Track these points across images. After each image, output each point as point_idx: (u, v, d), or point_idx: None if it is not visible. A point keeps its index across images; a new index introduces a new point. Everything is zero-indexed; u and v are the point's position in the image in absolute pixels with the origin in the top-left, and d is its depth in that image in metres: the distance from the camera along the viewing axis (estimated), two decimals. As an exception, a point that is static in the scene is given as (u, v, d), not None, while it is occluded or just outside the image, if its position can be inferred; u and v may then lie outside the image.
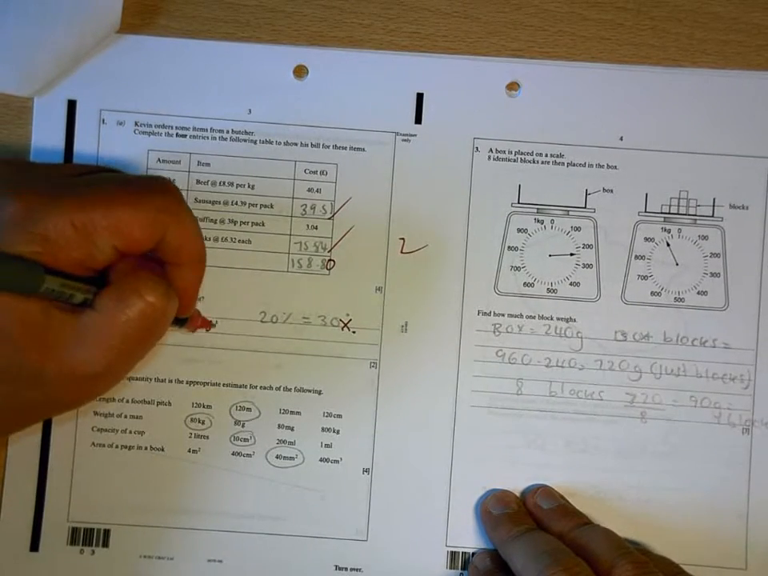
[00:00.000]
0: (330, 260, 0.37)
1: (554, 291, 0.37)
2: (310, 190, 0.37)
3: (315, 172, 0.37)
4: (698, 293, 0.37)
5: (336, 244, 0.37)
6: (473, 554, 0.37)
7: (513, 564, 0.34)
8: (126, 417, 0.37)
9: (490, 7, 0.38)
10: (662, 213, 0.37)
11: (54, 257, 0.28)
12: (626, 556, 0.32)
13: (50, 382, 0.29)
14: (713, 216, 0.37)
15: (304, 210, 0.37)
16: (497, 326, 0.37)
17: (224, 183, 0.37)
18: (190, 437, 0.37)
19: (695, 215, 0.37)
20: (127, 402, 0.37)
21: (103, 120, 0.37)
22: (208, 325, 0.36)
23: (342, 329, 0.37)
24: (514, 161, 0.37)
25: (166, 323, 0.31)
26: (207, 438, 0.37)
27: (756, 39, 0.38)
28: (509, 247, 0.37)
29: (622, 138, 0.37)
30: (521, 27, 0.37)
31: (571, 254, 0.37)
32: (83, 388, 0.30)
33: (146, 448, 0.37)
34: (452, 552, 0.37)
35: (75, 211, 0.28)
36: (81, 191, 0.29)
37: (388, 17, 0.37)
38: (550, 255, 0.37)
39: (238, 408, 0.37)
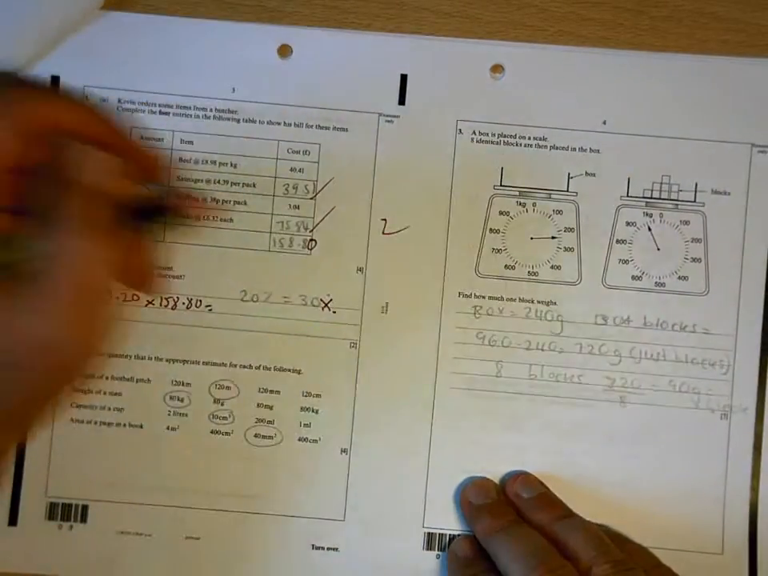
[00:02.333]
0: (311, 240, 0.37)
1: (534, 274, 0.37)
2: (292, 169, 0.37)
3: (298, 152, 0.37)
4: (679, 278, 0.37)
5: (318, 224, 0.37)
6: (450, 536, 0.37)
7: (497, 559, 0.34)
8: (105, 393, 0.37)
9: (490, 7, 0.38)
10: (643, 197, 0.37)
11: None
12: (604, 555, 0.32)
13: (15, 358, 0.25)
14: (694, 201, 0.37)
15: (286, 189, 0.37)
16: (477, 308, 0.37)
17: (206, 162, 0.37)
18: (168, 414, 0.37)
19: (677, 200, 0.37)
20: (107, 378, 0.37)
21: (87, 96, 0.37)
22: (202, 206, 0.32)
23: (323, 309, 0.37)
24: (497, 143, 0.37)
25: (109, 272, 0.26)
26: (186, 415, 0.37)
27: (756, 39, 0.38)
28: (490, 230, 0.37)
29: (605, 122, 0.37)
30: (521, 27, 0.37)
31: (553, 238, 0.37)
32: (50, 358, 0.26)
33: (124, 425, 0.37)
34: (429, 533, 0.37)
35: None
36: None
37: (388, 17, 0.37)
38: (531, 238, 0.37)
39: (217, 386, 0.37)
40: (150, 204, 0.28)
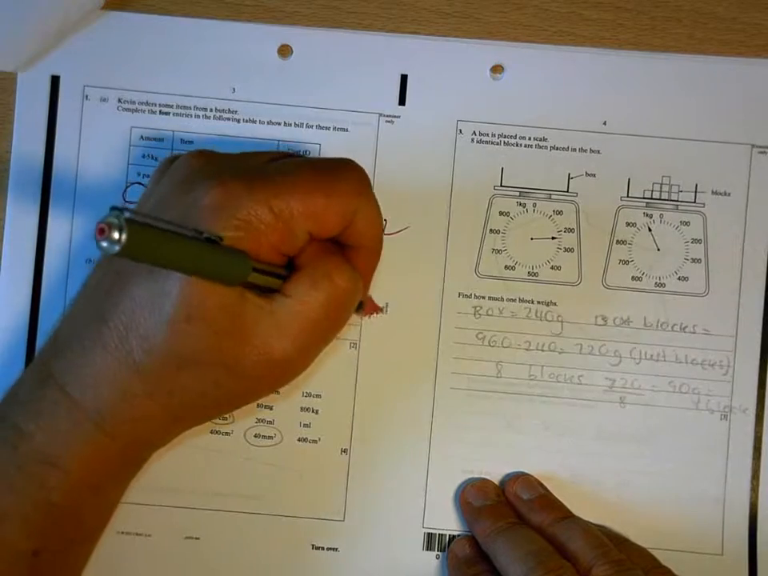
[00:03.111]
0: (311, 240, 0.37)
1: (535, 275, 0.37)
2: (292, 169, 0.37)
3: (298, 152, 0.37)
4: (679, 278, 0.37)
5: (318, 224, 0.37)
6: (449, 536, 0.37)
7: (496, 560, 0.34)
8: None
9: (490, 7, 0.38)
10: (644, 198, 0.37)
11: (256, 242, 0.28)
12: (604, 555, 0.33)
13: (246, 369, 0.29)
14: (695, 202, 0.37)
15: (286, 189, 0.37)
16: (477, 308, 0.37)
17: (207, 162, 0.37)
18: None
19: (677, 201, 0.37)
20: (107, 378, 0.37)
21: (86, 96, 0.37)
22: (378, 309, 0.37)
23: (323, 309, 0.37)
24: (497, 144, 0.37)
25: (353, 306, 0.31)
26: None
27: (756, 39, 0.38)
28: (491, 230, 0.37)
29: (605, 123, 0.37)
30: (521, 27, 0.37)
31: (553, 238, 0.37)
32: (276, 374, 0.31)
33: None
34: (428, 534, 0.37)
35: (273, 197, 0.29)
36: (276, 178, 0.29)
37: (388, 17, 0.37)
38: (531, 239, 0.37)
39: (218, 386, 0.37)
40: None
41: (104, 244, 0.23)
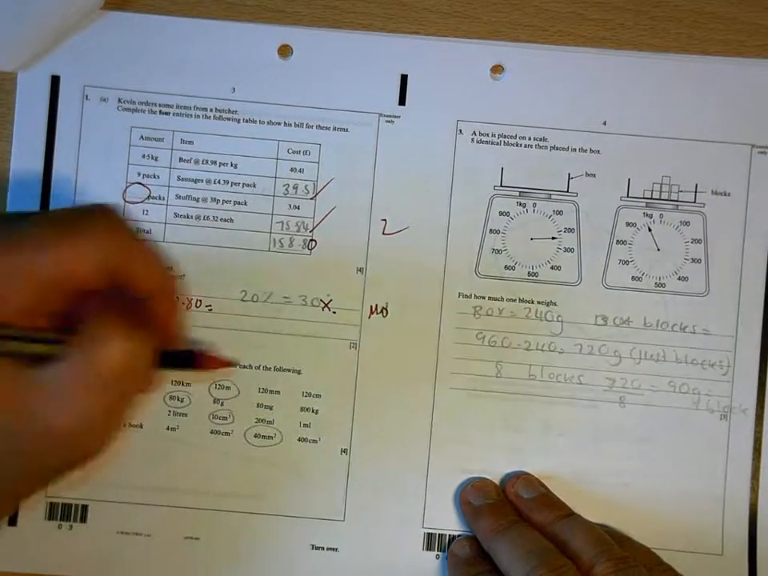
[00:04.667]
0: (311, 240, 0.37)
1: (534, 275, 0.37)
2: (292, 169, 0.37)
3: (298, 152, 0.37)
4: (679, 278, 0.37)
5: (318, 224, 0.37)
6: (449, 536, 0.37)
7: (498, 560, 0.34)
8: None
9: (490, 7, 0.37)
10: (644, 198, 0.37)
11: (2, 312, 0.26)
12: (606, 553, 0.33)
13: (29, 445, 0.27)
14: (695, 202, 0.37)
15: (286, 189, 0.37)
16: (477, 308, 0.37)
17: (207, 161, 0.37)
18: (168, 414, 0.37)
19: (677, 201, 0.37)
20: (106, 378, 0.37)
21: (86, 96, 0.37)
22: (227, 364, 0.32)
23: (323, 309, 0.37)
24: (497, 144, 0.37)
25: (139, 367, 0.28)
26: (186, 415, 0.37)
27: (756, 39, 0.38)
28: (490, 230, 0.37)
29: (605, 123, 0.37)
30: (521, 27, 0.37)
31: (553, 238, 0.37)
32: (65, 448, 0.27)
33: (124, 425, 0.37)
34: (428, 534, 0.37)
35: (3, 260, 0.26)
36: (10, 235, 0.27)
37: (388, 17, 0.37)
38: (531, 239, 0.37)
39: (217, 386, 0.37)
40: (178, 352, 0.31)
41: None
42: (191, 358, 0.31)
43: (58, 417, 0.26)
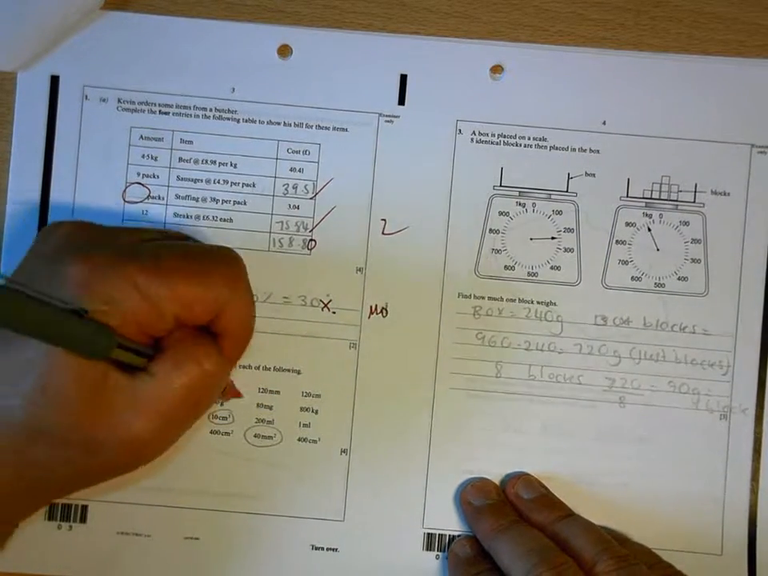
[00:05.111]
0: (311, 240, 0.37)
1: (534, 275, 0.37)
2: (292, 169, 0.37)
3: (298, 152, 0.37)
4: (679, 278, 0.37)
5: (317, 224, 0.37)
6: (449, 536, 0.37)
7: (499, 559, 0.34)
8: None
9: (490, 7, 0.37)
10: (643, 198, 0.37)
11: (120, 319, 0.28)
12: (608, 551, 0.33)
13: (101, 447, 0.29)
14: (694, 202, 0.37)
15: (286, 189, 0.37)
16: (477, 308, 0.37)
17: (206, 161, 0.37)
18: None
19: (677, 201, 0.37)
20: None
21: (86, 96, 0.37)
22: (239, 395, 0.36)
23: (323, 309, 0.37)
24: (497, 144, 0.37)
25: (217, 391, 0.32)
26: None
27: (756, 39, 0.38)
28: (490, 230, 0.37)
29: (604, 123, 0.37)
30: (521, 27, 0.37)
31: (552, 238, 0.37)
32: (133, 454, 0.30)
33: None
34: (428, 534, 0.37)
35: (139, 277, 0.29)
36: (145, 258, 0.29)
37: (388, 17, 0.37)
38: (531, 239, 0.37)
39: (217, 386, 0.37)
40: None
41: None
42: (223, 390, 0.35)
43: (140, 422, 0.29)
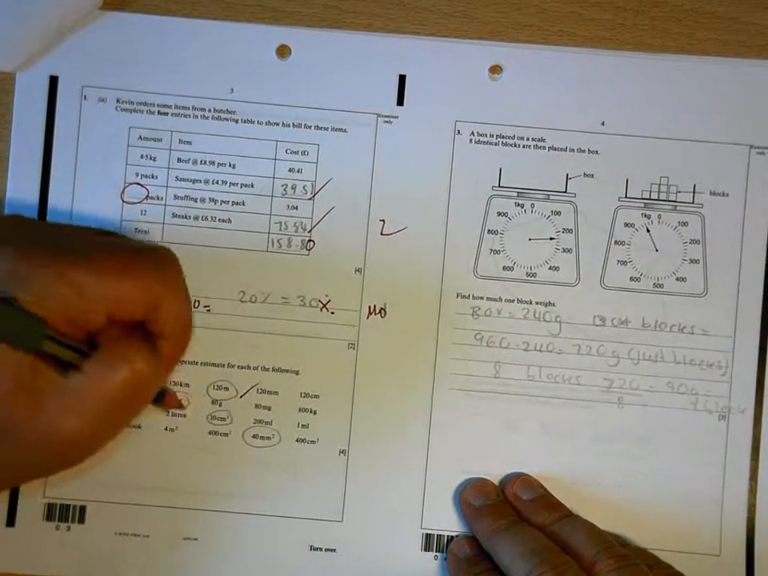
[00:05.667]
0: (309, 240, 0.37)
1: (533, 275, 0.37)
2: (291, 170, 0.37)
3: (296, 152, 0.37)
4: (677, 279, 0.37)
5: (316, 224, 0.37)
6: (448, 537, 0.37)
7: (499, 559, 0.34)
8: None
9: (490, 7, 0.37)
10: (642, 198, 0.37)
11: (50, 311, 0.28)
12: (608, 550, 0.33)
13: (29, 443, 0.28)
14: (693, 202, 0.37)
15: (285, 189, 0.37)
16: (475, 309, 0.37)
17: (205, 162, 0.37)
18: (167, 415, 0.37)
19: (675, 201, 0.37)
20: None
21: (85, 96, 0.37)
22: (180, 406, 0.36)
23: (321, 309, 0.37)
24: (496, 144, 0.37)
25: (151, 392, 0.31)
26: (184, 416, 0.37)
27: (756, 39, 0.38)
28: (489, 230, 0.37)
29: (603, 123, 0.37)
30: (521, 27, 0.37)
31: (551, 239, 0.37)
32: (62, 452, 0.30)
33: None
34: (427, 534, 0.37)
35: (69, 269, 0.28)
36: (77, 252, 0.29)
37: (388, 17, 0.37)
38: (529, 239, 0.37)
39: (216, 387, 0.37)
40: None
41: None
42: (160, 395, 0.35)
43: (69, 420, 0.28)
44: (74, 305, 0.28)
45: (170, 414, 0.37)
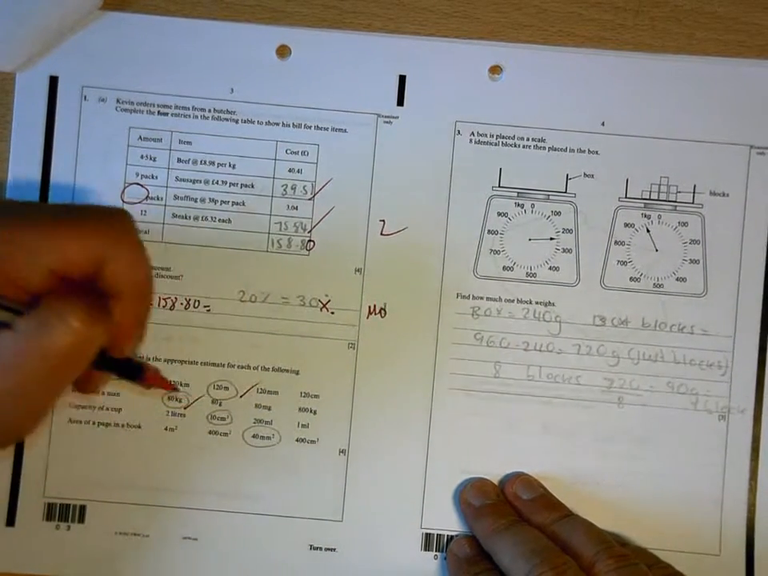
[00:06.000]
0: (309, 240, 0.37)
1: (533, 275, 0.37)
2: (291, 170, 0.37)
3: (296, 152, 0.37)
4: (677, 279, 0.37)
5: (316, 225, 0.37)
6: (447, 536, 0.37)
7: (499, 559, 0.34)
8: (103, 394, 0.37)
9: (490, 7, 0.37)
10: (642, 199, 0.37)
11: None
12: (607, 550, 0.33)
13: None
14: (693, 203, 0.37)
15: (285, 190, 0.37)
16: (475, 309, 0.37)
17: (205, 162, 0.37)
18: (166, 415, 0.37)
19: (675, 201, 0.37)
20: (105, 378, 0.37)
21: (85, 96, 0.37)
22: (168, 386, 0.34)
23: (321, 309, 0.37)
24: (496, 144, 0.37)
25: (90, 351, 0.28)
26: (184, 416, 0.37)
27: (756, 39, 0.38)
28: (489, 231, 0.37)
29: (603, 124, 0.37)
30: (521, 27, 0.37)
31: (551, 239, 0.37)
32: None
33: (122, 425, 0.37)
34: (426, 534, 0.37)
35: (10, 224, 0.28)
36: (16, 210, 0.29)
37: (388, 17, 0.37)
38: (529, 239, 0.37)
39: (216, 387, 0.37)
40: (125, 362, 0.32)
41: None
42: (136, 370, 0.32)
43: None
44: (14, 261, 0.27)
45: (170, 413, 0.37)
